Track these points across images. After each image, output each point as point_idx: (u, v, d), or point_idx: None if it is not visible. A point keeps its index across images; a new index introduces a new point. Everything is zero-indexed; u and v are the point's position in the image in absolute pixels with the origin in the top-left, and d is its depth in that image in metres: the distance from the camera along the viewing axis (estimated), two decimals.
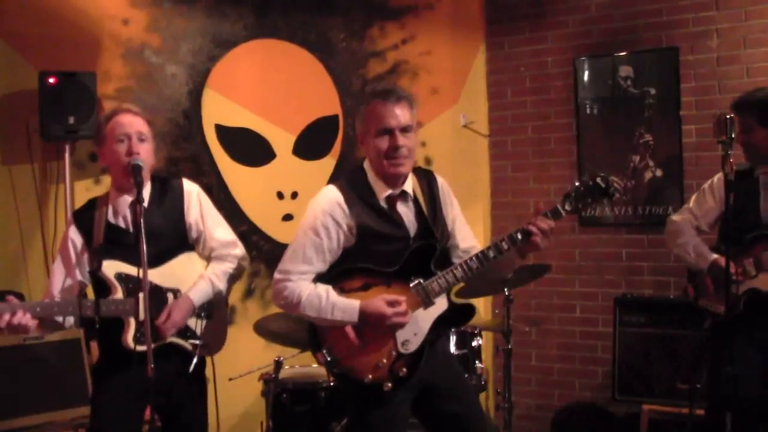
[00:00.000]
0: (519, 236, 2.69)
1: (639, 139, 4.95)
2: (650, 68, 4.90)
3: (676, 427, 4.03)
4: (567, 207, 2.72)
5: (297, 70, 4.83)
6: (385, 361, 2.70)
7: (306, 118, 4.86)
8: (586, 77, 5.11)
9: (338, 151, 4.95)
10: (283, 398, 3.77)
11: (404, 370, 2.70)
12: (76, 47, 4.08)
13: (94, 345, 3.53)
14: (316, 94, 4.89)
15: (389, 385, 2.68)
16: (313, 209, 2.78)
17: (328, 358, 2.74)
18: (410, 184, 2.83)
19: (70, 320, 2.91)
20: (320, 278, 2.78)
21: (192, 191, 3.07)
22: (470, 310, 2.80)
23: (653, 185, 4.86)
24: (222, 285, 3.05)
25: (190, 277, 3.00)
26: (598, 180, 2.73)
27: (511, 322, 4.04)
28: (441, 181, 2.94)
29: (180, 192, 3.04)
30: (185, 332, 2.96)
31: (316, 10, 4.86)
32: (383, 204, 2.78)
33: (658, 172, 4.84)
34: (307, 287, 2.72)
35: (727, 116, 2.84)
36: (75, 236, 2.94)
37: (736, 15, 4.67)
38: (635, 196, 4.90)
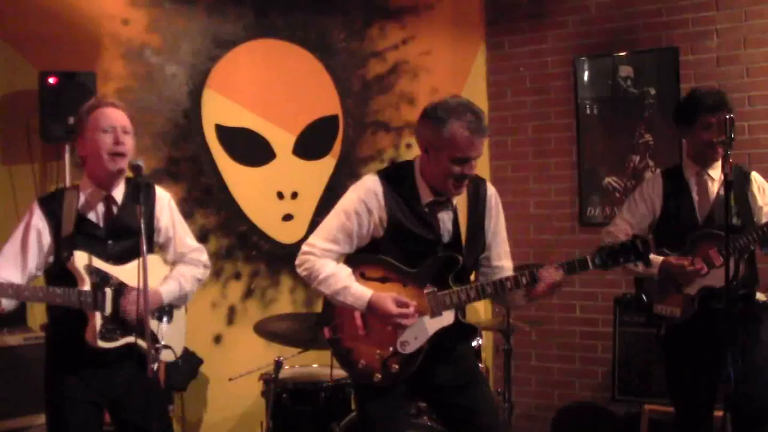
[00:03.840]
0: (524, 280, 2.74)
1: (639, 139, 4.96)
2: (650, 68, 4.91)
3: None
4: (597, 261, 2.71)
5: (297, 70, 4.82)
6: (381, 353, 2.77)
7: (306, 118, 4.85)
8: (586, 77, 5.11)
9: (338, 151, 4.95)
10: (283, 398, 3.76)
11: (396, 367, 2.76)
12: (76, 47, 4.07)
13: None
14: (316, 94, 4.89)
15: (378, 376, 2.76)
16: (352, 193, 2.83)
17: (333, 335, 2.85)
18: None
19: (10, 304, 2.75)
20: (346, 258, 2.86)
21: (164, 197, 3.07)
22: (473, 331, 2.86)
23: None
24: (189, 288, 3.05)
25: (154, 278, 2.92)
26: (638, 242, 2.71)
27: (511, 321, 4.05)
28: (491, 192, 2.96)
29: (153, 196, 3.02)
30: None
31: (315, 10, 4.85)
32: (424, 207, 2.80)
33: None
34: (328, 265, 2.79)
35: (727, 116, 2.85)
36: (40, 224, 2.83)
37: (736, 15, 4.68)
38: None
